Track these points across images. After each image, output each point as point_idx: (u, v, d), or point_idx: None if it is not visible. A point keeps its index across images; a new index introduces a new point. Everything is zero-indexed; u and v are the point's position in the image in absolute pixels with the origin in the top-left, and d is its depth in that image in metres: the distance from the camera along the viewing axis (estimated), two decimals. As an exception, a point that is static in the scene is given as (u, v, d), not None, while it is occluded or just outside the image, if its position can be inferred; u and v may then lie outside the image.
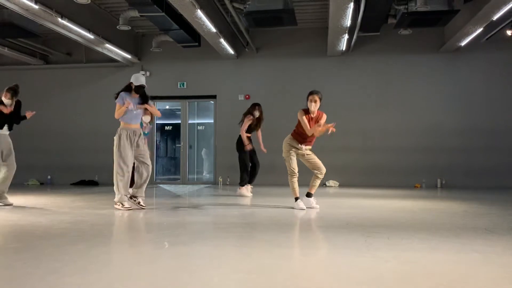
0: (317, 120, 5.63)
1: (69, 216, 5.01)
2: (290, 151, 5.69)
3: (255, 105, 7.70)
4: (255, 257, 3.02)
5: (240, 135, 7.59)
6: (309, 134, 5.56)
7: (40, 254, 3.02)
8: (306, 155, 5.71)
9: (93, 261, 2.84)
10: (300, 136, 5.65)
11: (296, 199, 5.71)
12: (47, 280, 2.41)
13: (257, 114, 7.62)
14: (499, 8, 7.77)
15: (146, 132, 7.65)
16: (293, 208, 5.69)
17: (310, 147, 5.76)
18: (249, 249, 3.26)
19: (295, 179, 5.71)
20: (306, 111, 5.64)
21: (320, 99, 5.60)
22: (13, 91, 6.19)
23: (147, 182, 5.79)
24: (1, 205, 5.97)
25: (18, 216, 5.12)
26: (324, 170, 5.72)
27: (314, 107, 5.59)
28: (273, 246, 3.39)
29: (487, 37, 9.65)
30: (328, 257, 3.05)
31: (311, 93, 5.64)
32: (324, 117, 5.68)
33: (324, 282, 2.44)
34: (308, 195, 5.82)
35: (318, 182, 5.76)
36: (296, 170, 5.69)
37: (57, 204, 6.46)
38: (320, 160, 5.78)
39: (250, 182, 7.75)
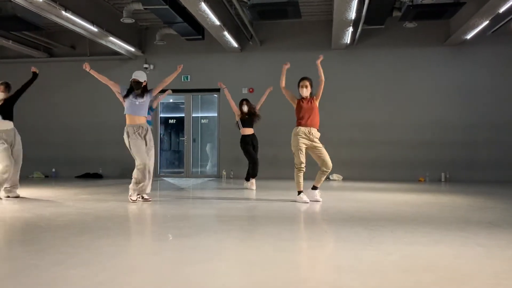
0: (311, 103, 5.70)
1: (74, 209, 5.04)
2: (299, 144, 5.60)
3: (242, 101, 7.86)
4: (258, 249, 3.03)
5: (242, 136, 7.75)
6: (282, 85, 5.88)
7: (44, 246, 3.04)
8: (317, 148, 5.64)
9: (97, 253, 2.85)
10: (301, 119, 5.65)
11: (299, 192, 5.71)
12: (52, 271, 2.42)
13: (245, 108, 7.71)
14: (505, 0, 7.69)
15: (150, 121, 7.66)
16: (295, 201, 5.69)
17: (316, 129, 5.69)
18: (253, 242, 3.27)
19: (301, 174, 5.67)
20: (301, 98, 5.79)
21: (311, 85, 5.74)
22: (6, 84, 6.19)
23: (151, 179, 5.77)
24: (9, 197, 6.04)
25: (23, 209, 5.15)
26: (330, 166, 5.66)
27: (306, 92, 5.71)
28: (277, 239, 3.39)
29: (493, 30, 9.55)
30: (331, 250, 3.05)
31: (301, 79, 5.79)
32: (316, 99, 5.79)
33: (327, 274, 2.45)
34: (314, 188, 5.82)
35: (323, 177, 5.75)
36: (304, 165, 5.63)
37: (61, 196, 6.49)
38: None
39: (247, 179, 7.81)
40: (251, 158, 7.65)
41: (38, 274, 2.36)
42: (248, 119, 7.76)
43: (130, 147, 5.55)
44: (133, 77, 5.69)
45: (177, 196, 6.79)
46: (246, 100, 7.89)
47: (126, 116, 5.65)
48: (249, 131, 7.74)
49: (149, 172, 5.66)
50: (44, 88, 11.97)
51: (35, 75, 6.47)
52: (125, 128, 5.61)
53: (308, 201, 5.59)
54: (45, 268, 2.49)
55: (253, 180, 7.71)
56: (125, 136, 5.59)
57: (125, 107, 5.68)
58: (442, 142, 10.47)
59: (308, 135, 5.63)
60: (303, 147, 5.62)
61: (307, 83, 5.72)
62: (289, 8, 8.24)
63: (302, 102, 5.73)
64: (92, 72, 5.68)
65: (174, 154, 13.81)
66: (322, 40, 10.92)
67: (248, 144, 7.69)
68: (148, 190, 5.85)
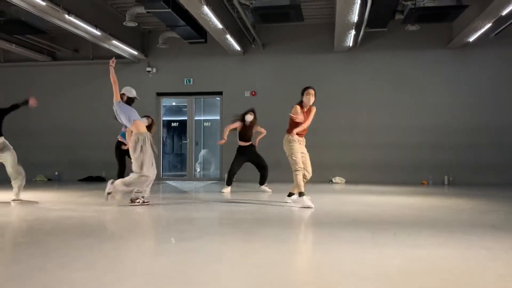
0: (308, 113, 5.76)
1: (77, 212, 5.05)
2: (293, 148, 5.65)
3: (249, 111, 7.73)
4: (261, 252, 3.02)
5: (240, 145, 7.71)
6: (300, 120, 5.66)
7: (48, 250, 3.05)
8: (302, 153, 5.72)
9: (100, 256, 2.86)
10: (293, 128, 5.69)
11: (301, 194, 5.61)
12: (56, 275, 2.43)
13: (249, 118, 7.60)
14: (508, 2, 7.68)
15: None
16: (297, 206, 5.64)
17: (303, 139, 5.80)
18: (256, 245, 3.27)
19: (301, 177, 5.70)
20: (301, 105, 5.79)
21: (315, 94, 5.81)
22: None
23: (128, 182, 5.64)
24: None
25: (26, 212, 5.16)
26: (311, 173, 5.76)
27: (311, 100, 5.72)
28: (279, 241, 3.39)
29: (495, 32, 9.53)
30: (334, 253, 3.05)
31: (308, 87, 5.82)
32: (314, 109, 5.81)
33: (330, 277, 2.44)
34: (290, 195, 5.90)
35: (304, 182, 5.76)
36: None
37: (64, 200, 6.51)
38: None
39: (261, 184, 7.78)
40: (231, 168, 7.67)
41: (43, 277, 2.37)
42: (247, 133, 7.64)
43: (140, 154, 5.45)
44: (128, 93, 5.78)
45: (180, 198, 6.79)
46: (252, 110, 7.75)
47: (138, 122, 5.61)
48: (245, 143, 7.70)
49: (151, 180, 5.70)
50: (47, 91, 12.02)
51: (25, 103, 6.38)
52: (139, 135, 5.51)
53: (313, 206, 5.49)
54: (49, 271, 2.50)
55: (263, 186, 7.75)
56: (139, 143, 5.48)
57: (133, 116, 5.63)
58: (445, 144, 10.45)
59: (302, 143, 5.78)
60: (298, 150, 5.70)
61: (313, 92, 5.77)
62: (291, 11, 8.24)
63: (303, 112, 5.81)
64: (112, 72, 5.60)
65: (177, 157, 13.82)
66: (324, 43, 10.93)
67: (241, 154, 7.64)
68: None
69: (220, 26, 8.85)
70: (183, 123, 12.38)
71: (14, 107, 6.28)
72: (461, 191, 8.19)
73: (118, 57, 11.28)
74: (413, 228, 3.96)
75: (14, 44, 10.48)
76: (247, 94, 11.28)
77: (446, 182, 10.28)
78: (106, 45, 10.28)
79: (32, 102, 6.27)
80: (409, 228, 3.92)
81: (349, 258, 2.82)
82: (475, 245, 3.22)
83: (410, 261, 2.74)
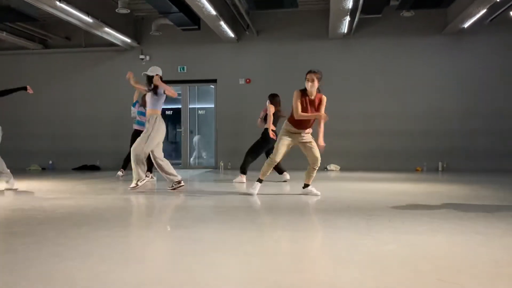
0: (317, 105, 5.19)
1: (71, 201, 5.03)
2: (285, 138, 5.29)
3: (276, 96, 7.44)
4: (256, 240, 3.03)
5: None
6: (296, 117, 5.15)
7: (42, 238, 3.04)
8: (307, 144, 5.28)
9: (95, 245, 2.85)
10: (295, 121, 5.22)
11: (260, 181, 5.48)
12: (50, 263, 2.42)
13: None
14: (503, -12, 7.66)
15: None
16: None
17: (310, 131, 5.36)
18: (250, 233, 3.27)
19: (271, 168, 5.44)
20: (304, 93, 5.18)
21: (319, 79, 5.15)
22: None
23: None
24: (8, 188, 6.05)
25: (20, 201, 5.14)
26: (319, 162, 5.33)
27: (310, 87, 5.11)
28: (275, 229, 3.40)
29: (490, 18, 9.52)
30: (329, 240, 3.06)
31: (308, 72, 5.16)
32: (324, 100, 5.25)
33: (325, 264, 2.45)
34: (306, 186, 5.49)
35: (314, 173, 5.40)
36: (279, 160, 5.40)
37: (58, 188, 6.48)
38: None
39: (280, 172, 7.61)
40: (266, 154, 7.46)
41: (36, 266, 2.36)
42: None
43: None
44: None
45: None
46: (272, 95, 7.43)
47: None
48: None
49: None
50: (40, 79, 11.89)
51: (23, 89, 6.34)
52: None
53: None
54: (44, 260, 2.49)
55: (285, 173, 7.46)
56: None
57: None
58: (439, 131, 10.48)
59: (299, 133, 5.35)
60: (288, 142, 5.35)
61: (314, 77, 5.09)
62: (286, -3, 8.18)
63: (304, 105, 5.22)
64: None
65: (171, 146, 13.78)
66: (319, 30, 10.87)
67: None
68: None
69: (213, 12, 8.76)
70: (177, 112, 12.32)
71: (9, 91, 6.21)
72: (455, 177, 8.24)
73: (111, 44, 11.18)
74: (408, 214, 3.98)
75: (4, 32, 10.33)
76: (242, 81, 11.22)
77: (440, 168, 10.34)
78: (98, 33, 10.16)
79: (30, 90, 6.31)
80: (404, 215, 3.94)
81: (344, 245, 2.83)
82: (469, 231, 3.24)
83: (404, 247, 2.76)
